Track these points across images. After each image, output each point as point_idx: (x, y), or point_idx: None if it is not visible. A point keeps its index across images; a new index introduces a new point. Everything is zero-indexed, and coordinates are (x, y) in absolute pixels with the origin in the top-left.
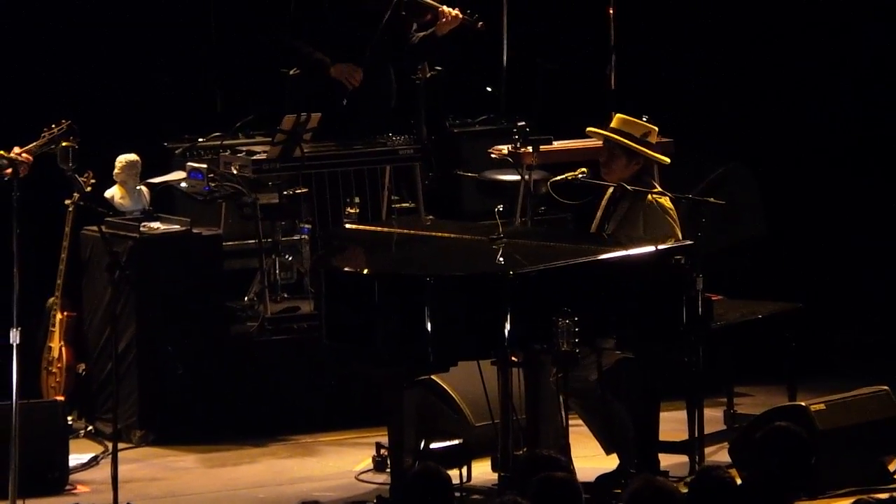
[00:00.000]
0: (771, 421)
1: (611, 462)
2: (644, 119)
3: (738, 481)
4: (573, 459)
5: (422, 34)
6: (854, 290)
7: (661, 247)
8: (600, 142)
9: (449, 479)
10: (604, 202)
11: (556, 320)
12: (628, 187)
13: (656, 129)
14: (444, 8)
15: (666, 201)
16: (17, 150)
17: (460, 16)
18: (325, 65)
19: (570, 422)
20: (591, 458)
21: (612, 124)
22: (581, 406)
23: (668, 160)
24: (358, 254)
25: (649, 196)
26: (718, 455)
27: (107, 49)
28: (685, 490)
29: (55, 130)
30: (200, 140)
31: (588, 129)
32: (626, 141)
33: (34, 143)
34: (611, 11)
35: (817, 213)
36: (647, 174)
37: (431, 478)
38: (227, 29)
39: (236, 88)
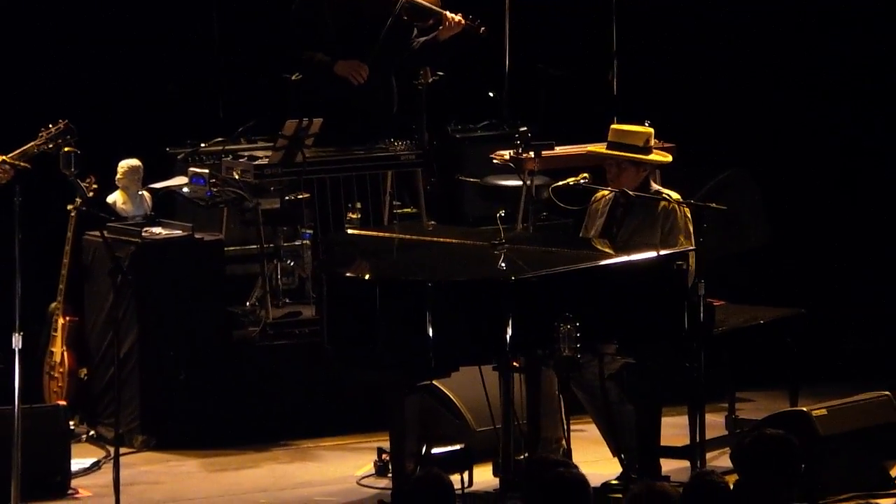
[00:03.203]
0: (772, 426)
1: (613, 466)
2: (646, 123)
3: None
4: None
5: (423, 39)
6: (856, 296)
7: (662, 252)
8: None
9: (451, 484)
10: (602, 205)
11: (558, 326)
12: (631, 193)
13: (652, 130)
14: (447, 13)
15: (677, 199)
16: None
17: (462, 21)
18: (328, 64)
19: (573, 426)
20: (593, 464)
21: (611, 137)
22: (591, 405)
23: (670, 158)
24: (359, 259)
25: (663, 202)
26: (720, 460)
27: (109, 54)
28: None
29: (52, 130)
30: (202, 145)
31: (589, 149)
32: (635, 156)
33: (31, 143)
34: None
35: (819, 218)
36: (650, 176)
37: (434, 483)
38: (230, 35)
39: (238, 94)
